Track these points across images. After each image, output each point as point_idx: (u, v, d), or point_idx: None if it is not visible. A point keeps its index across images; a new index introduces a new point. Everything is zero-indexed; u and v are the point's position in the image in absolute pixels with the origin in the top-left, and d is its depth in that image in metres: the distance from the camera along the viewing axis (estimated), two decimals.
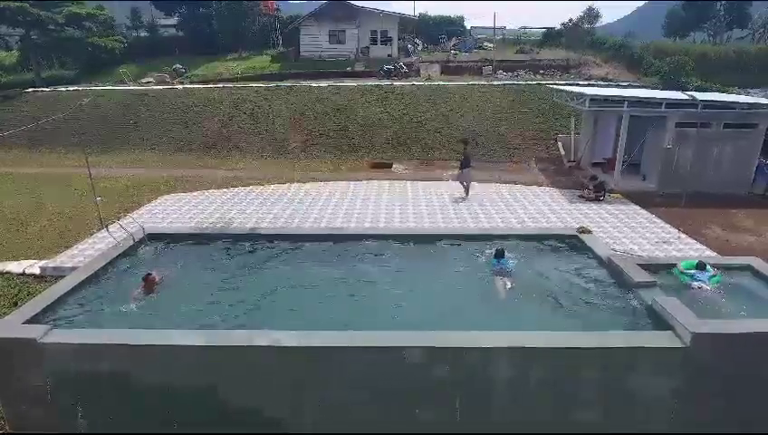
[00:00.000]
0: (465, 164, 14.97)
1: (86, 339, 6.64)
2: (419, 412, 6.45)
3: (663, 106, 14.90)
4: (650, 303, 7.32)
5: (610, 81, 26.53)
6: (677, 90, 22.02)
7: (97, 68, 34.46)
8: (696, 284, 7.96)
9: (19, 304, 9.46)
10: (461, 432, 6.72)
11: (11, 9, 26.59)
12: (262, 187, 16.27)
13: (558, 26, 40.10)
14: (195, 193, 15.40)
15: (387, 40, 35.01)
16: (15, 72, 35.80)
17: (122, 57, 36.22)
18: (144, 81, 32.30)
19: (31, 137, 22.43)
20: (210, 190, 15.80)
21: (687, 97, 15.16)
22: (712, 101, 14.93)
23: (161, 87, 27.77)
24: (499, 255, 8.56)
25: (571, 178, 17.28)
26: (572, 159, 19.20)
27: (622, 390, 6.45)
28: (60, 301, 7.63)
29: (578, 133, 19.43)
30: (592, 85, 23.84)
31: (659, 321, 6.94)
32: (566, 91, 17.32)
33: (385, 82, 26.55)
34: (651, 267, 8.47)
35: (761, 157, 15.64)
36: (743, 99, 15.87)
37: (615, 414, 6.56)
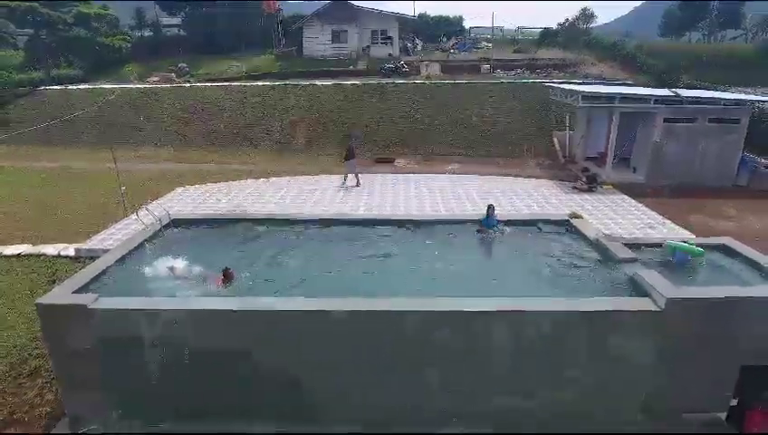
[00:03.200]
0: (349, 156, 16.36)
1: (128, 305, 7.49)
2: (424, 368, 7.33)
3: (652, 102, 15.78)
4: (631, 275, 8.22)
5: (605, 79, 27.40)
6: (668, 87, 22.98)
7: (103, 67, 35.20)
8: (677, 258, 8.83)
9: (56, 281, 10.33)
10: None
11: (22, 9, 27.28)
12: (273, 179, 17.12)
13: (555, 26, 41.01)
14: (209, 185, 16.24)
15: (387, 39, 35.83)
16: (23, 70, 36.53)
17: (127, 56, 36.99)
18: (150, 79, 33.09)
19: (46, 133, 23.19)
20: (223, 183, 16.64)
21: (672, 93, 16.03)
22: (697, 97, 15.81)
23: (169, 85, 28.55)
24: (489, 210, 9.82)
25: (565, 172, 18.16)
26: (567, 154, 20.07)
27: (606, 349, 7.33)
28: (100, 275, 8.49)
29: (572, 130, 20.29)
30: (587, 83, 24.72)
31: (639, 289, 7.84)
32: (560, 89, 18.19)
33: (386, 81, 27.39)
34: (634, 246, 9.38)
35: (744, 150, 16.55)
36: (726, 95, 16.74)
37: (600, 372, 7.44)
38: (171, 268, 8.65)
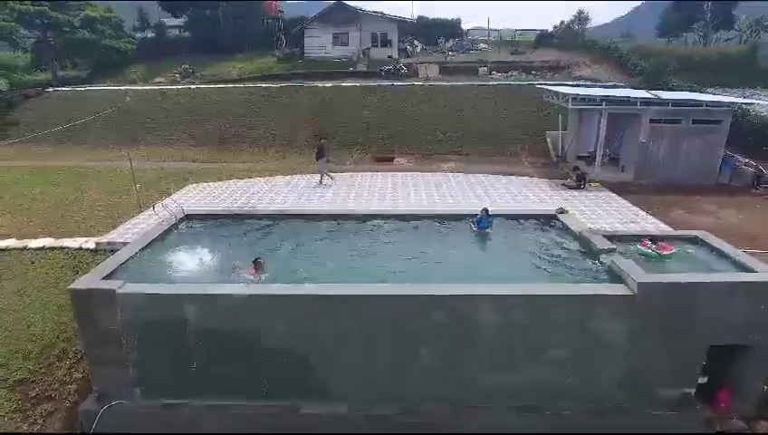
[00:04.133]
0: (319, 155, 17.07)
1: (152, 290, 8.31)
2: (421, 347, 8.15)
3: (638, 104, 16.59)
4: (609, 263, 9.03)
5: (597, 81, 28.19)
6: (658, 89, 23.80)
7: (107, 68, 35.96)
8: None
9: (79, 272, 11.11)
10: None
11: (31, 12, 28.06)
12: (276, 177, 17.90)
13: (551, 29, 41.81)
14: (218, 183, 17.05)
15: (387, 42, 36.61)
16: (30, 72, 37.26)
17: (131, 58, 37.72)
18: (156, 81, 33.83)
19: (62, 133, 23.93)
20: (231, 181, 17.43)
21: (652, 96, 16.80)
22: (678, 99, 16.61)
23: (175, 87, 29.31)
24: (483, 212, 10.62)
25: (557, 171, 18.95)
26: (560, 154, 20.86)
27: (586, 329, 8.16)
28: (124, 264, 9.30)
29: (565, 130, 21.08)
30: (580, 85, 25.51)
31: (615, 276, 8.66)
32: (553, 91, 18.98)
33: (386, 82, 28.18)
34: (614, 238, 10.19)
35: (726, 149, 17.36)
36: (708, 97, 17.55)
37: (581, 350, 8.26)
38: (201, 260, 9.47)
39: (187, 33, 44.65)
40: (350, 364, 8.30)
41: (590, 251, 9.85)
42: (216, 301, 8.18)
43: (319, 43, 36.18)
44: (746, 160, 17.22)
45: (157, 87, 29.60)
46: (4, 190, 16.86)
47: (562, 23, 41.01)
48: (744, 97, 27.04)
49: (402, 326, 8.11)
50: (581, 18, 37.43)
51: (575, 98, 17.08)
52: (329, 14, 35.79)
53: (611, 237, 10.26)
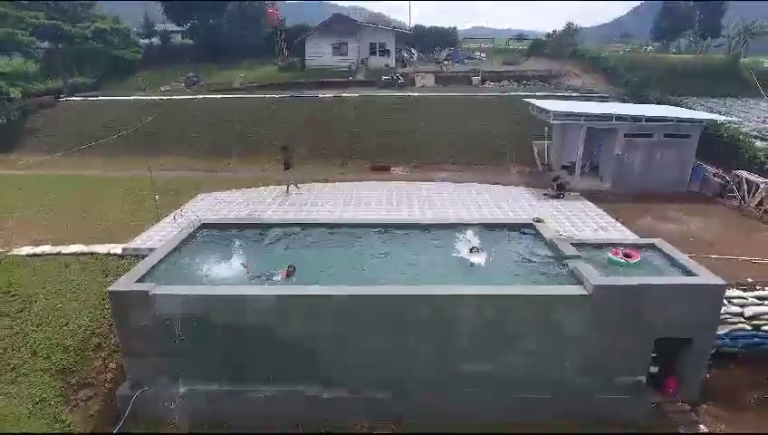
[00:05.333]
0: (286, 166, 18.41)
1: (180, 291, 9.72)
2: (411, 339, 9.57)
3: (614, 120, 18.04)
4: (572, 267, 10.45)
5: (585, 91, 29.66)
6: (642, 100, 25.31)
7: (114, 76, 37.40)
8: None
9: (108, 275, 12.55)
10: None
11: (46, 26, 29.49)
12: (282, 186, 19.31)
13: (543, 37, 43.35)
14: (228, 191, 18.46)
15: (385, 51, 38.11)
16: (39, 80, 38.65)
17: (137, 65, 39.14)
18: (163, 89, 35.25)
19: (76, 143, 25.32)
20: (240, 189, 18.84)
21: (625, 116, 18.16)
22: (653, 116, 18.06)
23: (182, 97, 30.71)
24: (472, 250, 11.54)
25: (542, 180, 20.36)
26: (546, 163, 22.28)
27: (549, 325, 9.57)
28: (153, 269, 10.70)
29: (550, 140, 22.51)
30: (567, 97, 26.98)
31: (575, 279, 10.07)
32: (537, 106, 20.42)
33: (383, 93, 29.62)
34: (580, 245, 11.62)
35: (698, 160, 18.81)
36: (679, 113, 19.00)
37: (546, 342, 9.69)
38: (244, 265, 10.80)
39: (190, 41, 46.03)
40: (350, 354, 9.73)
41: (558, 257, 11.27)
42: (237, 301, 9.61)
43: (319, 53, 37.68)
44: (714, 171, 18.65)
45: (166, 97, 30.92)
46: (32, 198, 18.32)
47: (555, 32, 42.56)
48: (724, 106, 28.58)
49: (396, 321, 9.53)
50: (571, 30, 38.92)
51: (557, 114, 18.51)
52: (329, 25, 37.27)
53: (579, 245, 11.69)
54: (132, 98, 30.92)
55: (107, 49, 35.13)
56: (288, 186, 18.41)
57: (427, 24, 48.10)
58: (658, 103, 24.85)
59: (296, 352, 9.70)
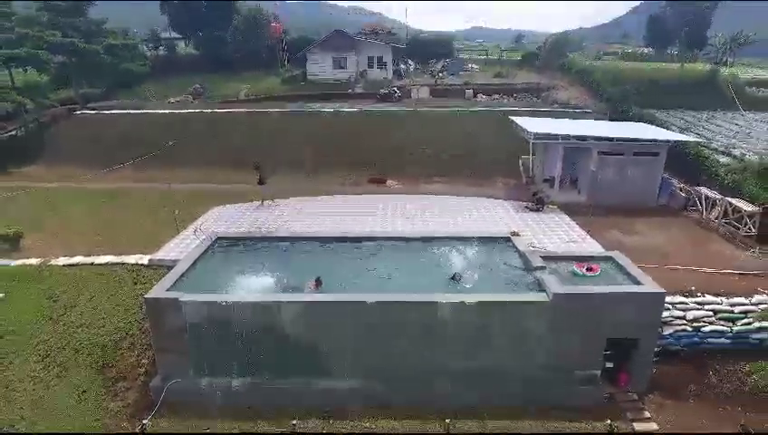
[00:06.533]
0: (260, 182, 20.32)
1: (205, 298, 11.52)
2: (407, 340, 11.37)
3: (589, 139, 19.85)
4: (538, 277, 12.26)
5: (570, 107, 31.49)
6: (621, 116, 27.22)
7: (121, 87, 39.08)
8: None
9: (137, 283, 14.34)
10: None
11: (62, 44, 31.29)
12: (287, 199, 21.10)
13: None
14: (238, 204, 20.27)
15: (382, 64, 39.99)
16: (51, 91, 40.31)
17: (144, 76, 40.82)
18: (170, 101, 36.94)
19: (92, 156, 26.98)
20: (249, 202, 20.60)
21: (600, 136, 20.02)
22: (623, 138, 19.89)
23: (189, 111, 32.34)
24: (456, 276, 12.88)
25: (525, 193, 22.15)
26: (530, 176, 24.08)
27: (517, 327, 11.38)
28: (180, 278, 12.49)
29: (534, 154, 24.32)
30: (550, 112, 28.82)
31: (540, 287, 11.88)
32: (520, 127, 22.22)
33: (380, 107, 31.44)
34: (548, 258, 13.42)
35: (667, 175, 20.63)
36: (648, 133, 20.85)
37: (513, 341, 11.49)
38: (235, 274, 12.60)
39: (195, 51, 47.64)
40: (351, 352, 11.53)
41: (527, 267, 13.08)
42: (254, 307, 11.41)
43: (320, 67, 39.53)
44: (680, 185, 20.49)
45: (176, 111, 32.47)
46: (60, 210, 20.14)
47: (545, 43, 44.44)
48: (701, 120, 30.44)
49: (389, 324, 11.33)
50: (562, 41, 40.81)
51: (537, 135, 20.35)
52: (329, 40, 39.15)
53: (548, 257, 13.50)
54: (145, 111, 32.52)
55: (116, 62, 36.87)
56: (263, 200, 20.37)
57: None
58: (638, 119, 26.74)
59: (303, 349, 11.51)
